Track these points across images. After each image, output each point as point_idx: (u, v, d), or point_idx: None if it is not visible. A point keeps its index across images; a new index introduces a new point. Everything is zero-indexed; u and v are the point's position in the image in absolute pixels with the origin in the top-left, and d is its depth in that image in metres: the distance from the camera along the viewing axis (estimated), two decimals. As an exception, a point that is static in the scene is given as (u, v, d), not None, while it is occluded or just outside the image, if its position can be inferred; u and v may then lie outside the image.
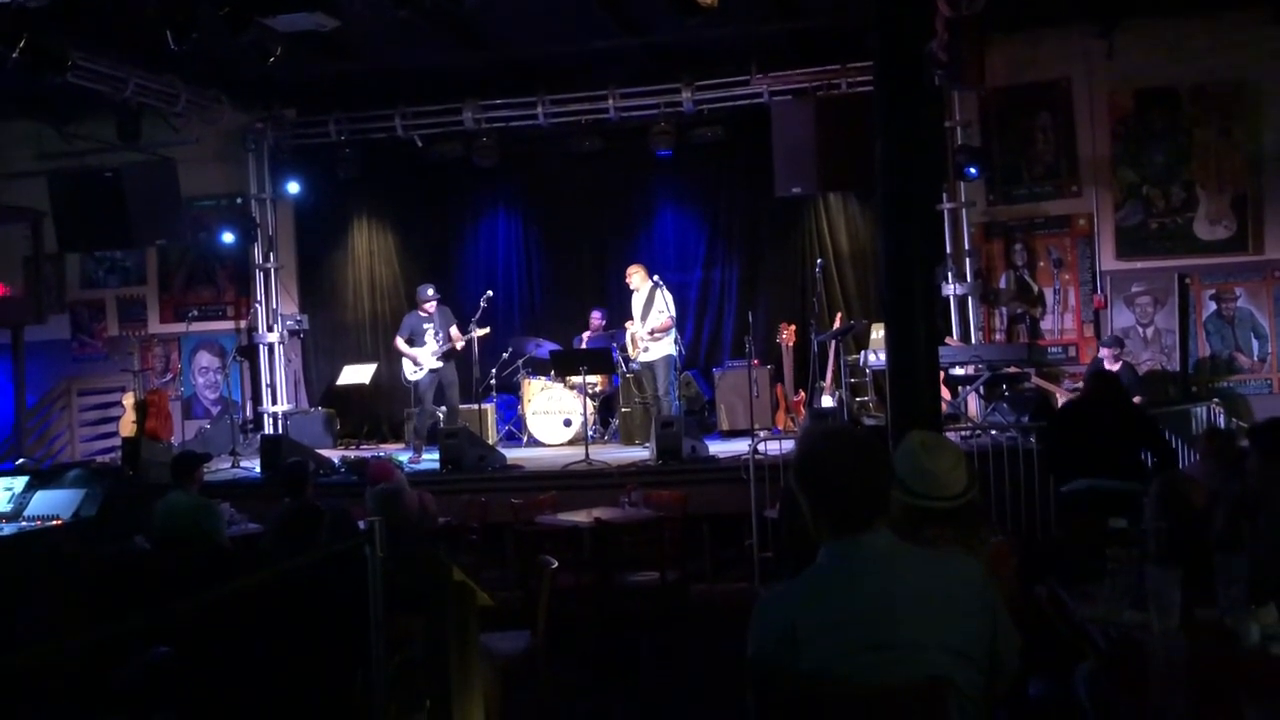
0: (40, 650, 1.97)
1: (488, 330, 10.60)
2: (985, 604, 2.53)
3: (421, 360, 10.30)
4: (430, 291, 10.43)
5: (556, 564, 5.41)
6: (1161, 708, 2.42)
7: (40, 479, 7.86)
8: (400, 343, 10.45)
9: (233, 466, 10.16)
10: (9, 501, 7.56)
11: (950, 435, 6.43)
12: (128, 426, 11.37)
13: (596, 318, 11.51)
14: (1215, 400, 9.88)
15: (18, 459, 9.84)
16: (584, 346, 11.10)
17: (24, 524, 7.34)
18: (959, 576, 2.55)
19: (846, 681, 2.46)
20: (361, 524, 4.68)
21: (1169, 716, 2.40)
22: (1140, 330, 10.82)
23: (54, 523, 7.35)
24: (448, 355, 10.35)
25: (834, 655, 2.46)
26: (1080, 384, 10.27)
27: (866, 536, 2.52)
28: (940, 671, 2.44)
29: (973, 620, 2.50)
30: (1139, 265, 10.82)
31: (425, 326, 10.33)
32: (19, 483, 7.75)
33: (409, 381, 10.51)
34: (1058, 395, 10.13)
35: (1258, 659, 2.77)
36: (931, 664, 2.45)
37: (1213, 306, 10.72)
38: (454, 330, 10.35)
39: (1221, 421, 9.37)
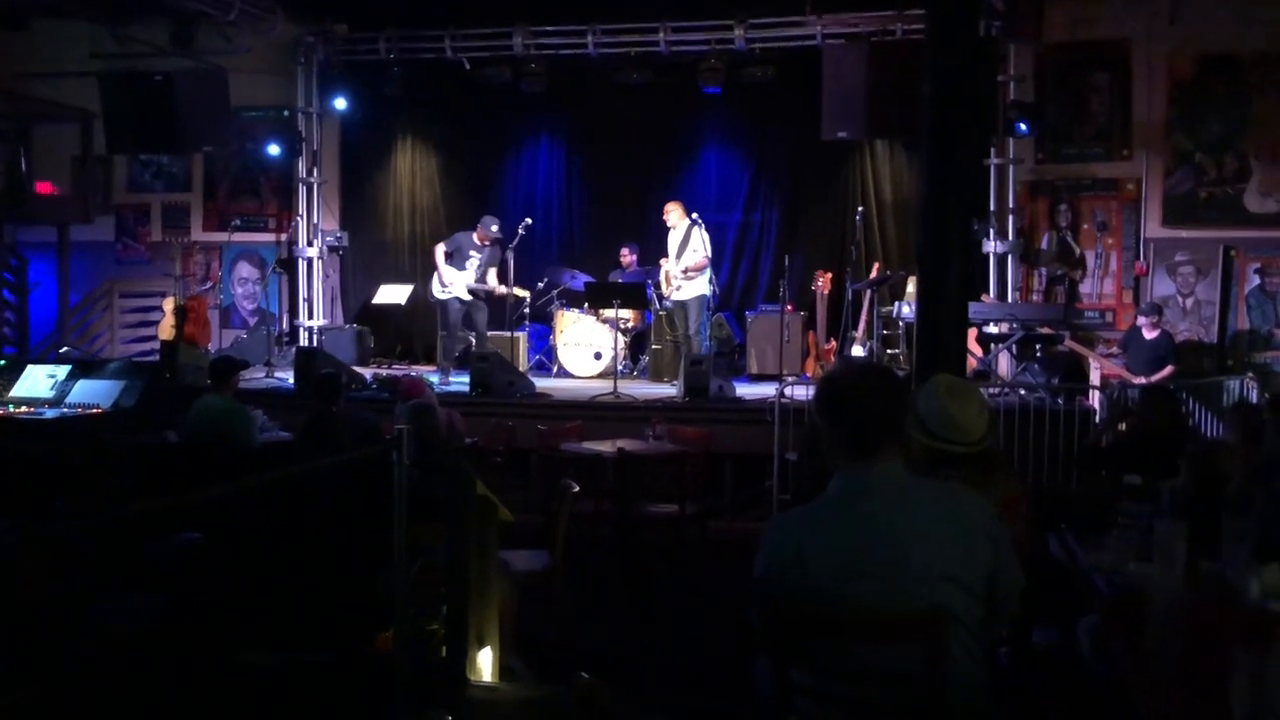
0: (82, 521, 2.07)
1: (528, 294, 10.62)
2: (989, 537, 2.58)
3: (452, 282, 10.30)
4: (494, 228, 10.38)
5: (577, 488, 5.50)
6: (1157, 652, 2.47)
7: (83, 369, 8.01)
8: (439, 253, 10.42)
9: (267, 376, 10.33)
10: (52, 388, 7.73)
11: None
12: (166, 330, 11.53)
13: (626, 253, 11.44)
14: (1249, 374, 9.78)
15: (61, 351, 10.05)
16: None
17: (65, 410, 7.51)
18: (965, 509, 2.61)
19: (849, 605, 2.53)
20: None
21: (1164, 661, 2.46)
22: (1180, 300, 10.70)
23: (94, 410, 7.50)
24: (480, 294, 10.36)
25: (839, 579, 2.53)
26: (1114, 349, 10.23)
27: (878, 465, 2.58)
28: (942, 602, 2.50)
29: (975, 552, 2.55)
30: (1184, 234, 10.68)
31: (472, 254, 10.33)
32: (62, 371, 7.92)
33: (435, 299, 10.53)
34: (1091, 360, 10.07)
35: (1255, 613, 2.82)
36: (934, 593, 2.50)
37: (1256, 280, 10.59)
38: (493, 274, 10.35)
39: (1254, 395, 9.30)
